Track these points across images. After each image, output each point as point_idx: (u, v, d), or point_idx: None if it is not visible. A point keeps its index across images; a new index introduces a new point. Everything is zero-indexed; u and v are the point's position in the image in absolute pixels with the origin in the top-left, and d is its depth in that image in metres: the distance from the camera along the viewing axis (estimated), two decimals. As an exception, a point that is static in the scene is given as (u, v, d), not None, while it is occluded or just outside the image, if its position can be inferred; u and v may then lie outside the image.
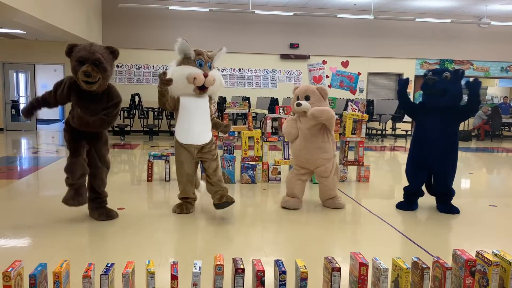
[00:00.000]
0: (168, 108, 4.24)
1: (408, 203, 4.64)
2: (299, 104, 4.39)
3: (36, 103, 3.90)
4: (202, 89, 4.15)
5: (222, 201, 4.08)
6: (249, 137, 5.90)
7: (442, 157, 4.42)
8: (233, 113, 11.11)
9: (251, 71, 12.83)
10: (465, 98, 4.40)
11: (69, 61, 3.71)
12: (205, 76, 4.09)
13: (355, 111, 6.06)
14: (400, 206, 4.67)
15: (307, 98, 4.43)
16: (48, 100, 3.86)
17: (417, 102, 4.75)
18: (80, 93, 3.72)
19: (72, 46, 3.67)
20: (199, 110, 4.25)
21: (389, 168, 8.22)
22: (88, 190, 3.98)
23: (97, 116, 3.73)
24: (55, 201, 3.94)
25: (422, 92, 4.51)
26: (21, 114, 3.88)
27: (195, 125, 4.22)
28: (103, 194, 4.04)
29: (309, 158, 4.46)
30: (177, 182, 4.34)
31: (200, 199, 4.66)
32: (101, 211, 4.01)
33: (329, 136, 4.48)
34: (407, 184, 4.71)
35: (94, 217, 3.98)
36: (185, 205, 4.31)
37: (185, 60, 4.17)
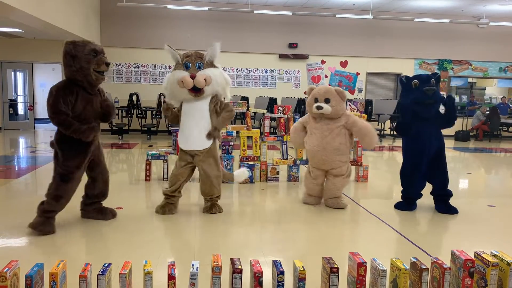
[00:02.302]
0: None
1: (407, 204, 4.64)
2: (320, 107, 4.40)
3: (72, 124, 3.50)
4: (196, 91, 4.04)
5: (212, 212, 4.31)
6: (248, 137, 5.88)
7: (437, 161, 4.47)
8: (231, 113, 11.08)
9: (249, 70, 12.82)
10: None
11: None
12: (192, 77, 3.97)
13: (353, 111, 6.05)
14: (398, 206, 4.67)
15: (327, 100, 4.44)
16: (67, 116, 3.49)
17: (402, 121, 4.61)
18: (85, 93, 3.58)
19: (73, 42, 3.53)
20: (196, 114, 4.15)
21: (387, 168, 8.21)
22: (87, 198, 3.95)
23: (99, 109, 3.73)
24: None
25: (415, 102, 4.32)
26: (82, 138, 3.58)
27: (193, 130, 4.14)
28: (106, 195, 4.03)
29: (326, 159, 4.48)
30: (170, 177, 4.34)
31: (198, 199, 4.64)
32: (104, 210, 4.00)
33: (347, 139, 4.52)
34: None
35: (100, 218, 3.94)
36: (168, 206, 4.25)
37: (177, 65, 4.15)
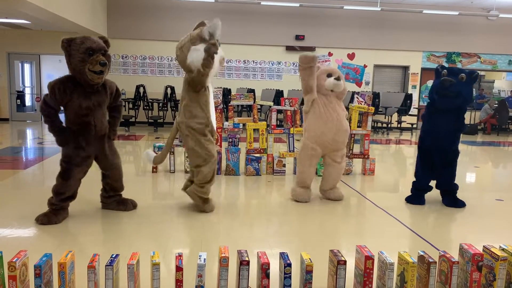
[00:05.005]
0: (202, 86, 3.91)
1: (418, 197, 4.61)
2: (339, 79, 4.39)
3: (58, 124, 3.54)
4: None
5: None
6: (254, 129, 5.88)
7: (449, 154, 4.43)
8: (238, 105, 11.07)
9: (256, 62, 12.77)
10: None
11: None
12: None
13: (361, 104, 6.01)
14: (409, 200, 4.64)
15: (338, 79, 4.45)
16: (55, 112, 3.54)
17: (426, 107, 4.54)
18: (82, 89, 3.53)
19: (69, 40, 3.45)
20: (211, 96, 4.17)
21: (394, 161, 8.18)
22: (105, 191, 4.02)
23: (103, 110, 3.73)
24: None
25: (435, 91, 4.30)
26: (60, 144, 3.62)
27: (213, 112, 4.15)
28: (122, 190, 4.07)
29: (338, 139, 4.46)
30: (206, 174, 3.96)
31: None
32: (124, 201, 4.05)
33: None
34: (413, 178, 4.69)
35: (121, 209, 4.00)
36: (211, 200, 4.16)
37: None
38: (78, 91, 3.51)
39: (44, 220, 3.59)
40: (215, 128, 4.18)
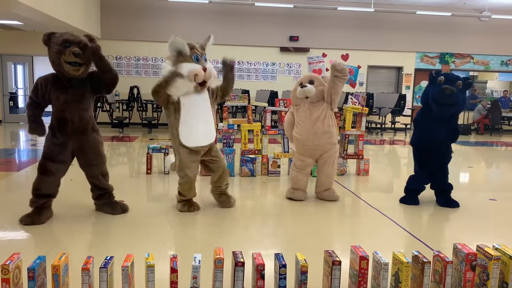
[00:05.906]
0: (163, 103, 4.02)
1: (412, 198, 4.62)
2: (304, 86, 4.45)
3: (34, 116, 3.67)
4: (202, 85, 3.94)
5: (231, 205, 4.34)
6: (249, 130, 5.87)
7: (443, 156, 4.48)
8: (232, 106, 11.07)
9: (250, 63, 12.78)
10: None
11: None
12: (204, 70, 3.88)
13: (355, 104, 6.03)
14: (403, 201, 4.64)
15: (311, 82, 4.50)
16: (37, 105, 3.66)
17: (420, 113, 4.49)
18: (61, 84, 3.57)
19: (50, 34, 3.53)
20: (202, 108, 4.04)
21: (388, 161, 8.21)
22: (92, 191, 3.99)
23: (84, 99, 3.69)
24: (54, 193, 3.91)
25: (433, 99, 4.19)
26: (32, 133, 3.74)
27: (201, 125, 4.04)
28: (109, 188, 4.02)
29: (318, 143, 4.47)
30: (180, 186, 4.11)
31: (199, 193, 4.63)
32: (114, 205, 4.00)
33: (333, 121, 4.55)
34: (406, 178, 4.71)
35: (109, 212, 3.95)
36: (193, 203, 4.19)
37: (180, 57, 3.90)
38: (57, 86, 3.58)
39: (28, 220, 3.58)
40: (201, 144, 4.07)
